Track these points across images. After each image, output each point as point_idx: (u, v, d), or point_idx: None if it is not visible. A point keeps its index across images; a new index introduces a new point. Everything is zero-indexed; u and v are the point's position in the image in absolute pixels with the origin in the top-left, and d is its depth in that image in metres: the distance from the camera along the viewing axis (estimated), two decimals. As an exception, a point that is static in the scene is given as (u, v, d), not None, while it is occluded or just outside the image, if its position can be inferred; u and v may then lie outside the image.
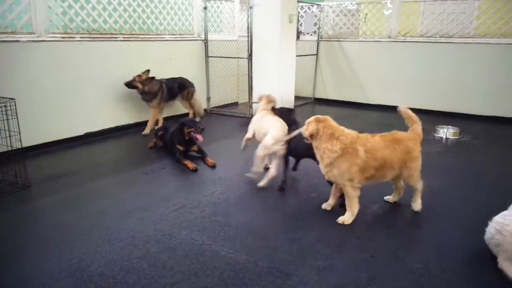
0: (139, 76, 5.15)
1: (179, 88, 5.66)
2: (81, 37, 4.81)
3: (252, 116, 6.25)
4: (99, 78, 5.05)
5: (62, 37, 4.62)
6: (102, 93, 5.11)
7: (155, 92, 5.31)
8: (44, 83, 4.47)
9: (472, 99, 6.52)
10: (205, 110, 6.77)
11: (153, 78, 5.25)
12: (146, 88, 5.19)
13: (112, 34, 5.19)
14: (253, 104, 6.29)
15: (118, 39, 5.20)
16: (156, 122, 5.49)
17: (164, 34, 5.96)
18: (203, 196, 3.32)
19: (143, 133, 5.33)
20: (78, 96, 4.84)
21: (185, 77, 5.87)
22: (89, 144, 4.85)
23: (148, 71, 5.23)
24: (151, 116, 5.39)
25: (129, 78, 5.12)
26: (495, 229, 2.37)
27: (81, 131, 4.94)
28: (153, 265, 2.33)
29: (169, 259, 2.40)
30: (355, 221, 2.91)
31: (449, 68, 6.63)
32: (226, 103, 7.11)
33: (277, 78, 6.02)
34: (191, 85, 5.85)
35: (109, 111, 5.25)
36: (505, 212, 2.44)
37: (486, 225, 2.49)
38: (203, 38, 6.53)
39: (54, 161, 4.26)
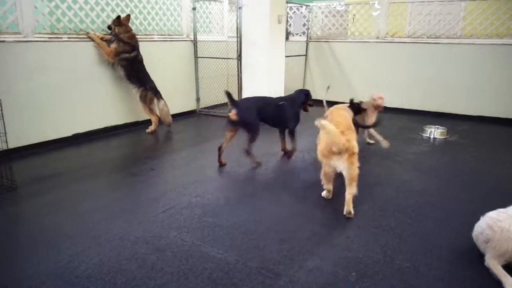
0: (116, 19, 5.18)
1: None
2: (68, 38, 4.76)
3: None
4: (87, 78, 4.99)
5: (49, 38, 4.57)
6: (90, 94, 5.06)
7: (135, 42, 5.25)
8: (30, 84, 4.41)
9: (459, 99, 6.60)
10: (194, 111, 6.76)
11: (127, 17, 5.23)
12: (117, 29, 5.10)
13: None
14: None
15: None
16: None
17: (153, 35, 5.93)
18: (192, 197, 3.31)
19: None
20: (66, 97, 4.78)
21: (176, 78, 5.80)
22: (77, 146, 4.80)
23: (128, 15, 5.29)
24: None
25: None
26: (487, 224, 2.37)
27: (68, 132, 4.88)
28: (142, 267, 2.32)
29: (158, 260, 2.38)
30: (344, 221, 2.93)
31: (436, 69, 6.71)
32: (216, 103, 7.09)
33: (267, 79, 6.03)
34: (151, 89, 5.40)
35: (97, 112, 5.19)
36: (501, 209, 2.45)
37: (473, 223, 2.52)
38: (192, 39, 6.51)
39: (41, 163, 4.21)
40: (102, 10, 5.19)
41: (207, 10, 6.78)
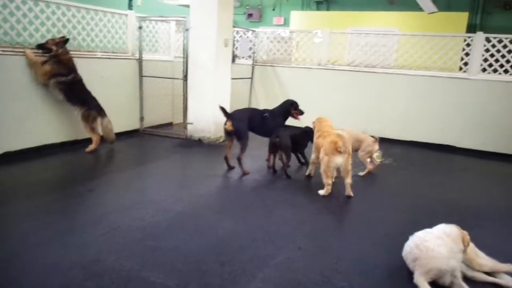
0: (52, 39, 4.90)
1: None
2: (2, 51, 4.51)
3: (187, 137, 6.25)
4: (21, 93, 4.72)
5: (-20, 50, 4.30)
6: (24, 110, 4.77)
7: (72, 64, 5.01)
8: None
9: (393, 124, 7.07)
10: (137, 130, 6.62)
11: (67, 40, 4.99)
12: (60, 51, 4.86)
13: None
14: (188, 125, 6.27)
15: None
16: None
17: (96, 51, 5.78)
18: (133, 220, 3.22)
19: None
20: (-3, 113, 4.49)
21: (119, 96, 5.66)
22: (8, 165, 4.48)
23: (63, 37, 5.02)
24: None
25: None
26: (414, 243, 2.58)
27: (-2, 150, 4.57)
28: (77, 294, 2.21)
29: (95, 287, 2.29)
30: (286, 241, 3.00)
31: (372, 96, 7.16)
32: (161, 123, 7.01)
33: (212, 100, 6.07)
34: (95, 107, 5.24)
35: (32, 129, 4.90)
36: (428, 230, 2.66)
37: (404, 243, 2.70)
38: (138, 57, 6.43)
39: (-35, 183, 3.89)
40: (42, 24, 5.00)
41: (153, 29, 6.75)
